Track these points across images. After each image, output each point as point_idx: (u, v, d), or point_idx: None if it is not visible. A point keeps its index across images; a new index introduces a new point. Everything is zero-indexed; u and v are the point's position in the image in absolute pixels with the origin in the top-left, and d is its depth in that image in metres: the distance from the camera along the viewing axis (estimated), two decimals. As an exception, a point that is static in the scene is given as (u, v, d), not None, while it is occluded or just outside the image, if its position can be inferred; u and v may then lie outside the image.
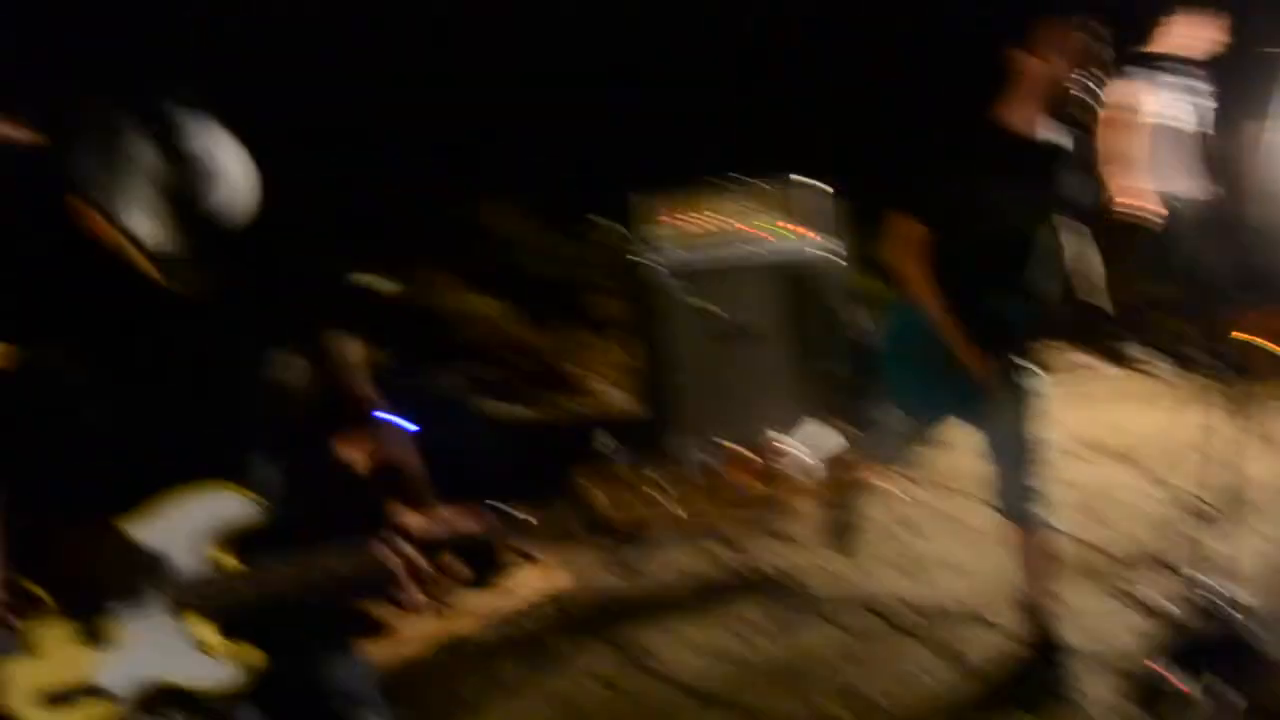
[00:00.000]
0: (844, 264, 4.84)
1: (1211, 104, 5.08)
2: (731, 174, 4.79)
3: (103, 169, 1.63)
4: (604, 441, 4.40)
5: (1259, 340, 5.71)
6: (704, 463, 5.13)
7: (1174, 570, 3.71)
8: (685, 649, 3.57)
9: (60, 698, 1.79)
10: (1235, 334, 6.04)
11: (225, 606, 1.76)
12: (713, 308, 4.44)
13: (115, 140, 1.61)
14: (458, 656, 3.57)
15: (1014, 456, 3.16)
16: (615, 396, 6.21)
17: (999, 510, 3.26)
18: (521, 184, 7.44)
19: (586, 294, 7.01)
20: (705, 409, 4.70)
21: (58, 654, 1.78)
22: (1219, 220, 5.36)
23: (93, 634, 1.78)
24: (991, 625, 3.53)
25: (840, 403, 4.88)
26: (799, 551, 4.18)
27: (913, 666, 3.36)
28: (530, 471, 4.51)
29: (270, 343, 1.89)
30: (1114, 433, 5.22)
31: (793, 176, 4.80)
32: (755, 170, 4.84)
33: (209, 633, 1.77)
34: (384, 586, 1.72)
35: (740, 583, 3.99)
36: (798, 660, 3.47)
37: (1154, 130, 5.05)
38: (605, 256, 7.20)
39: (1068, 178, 3.07)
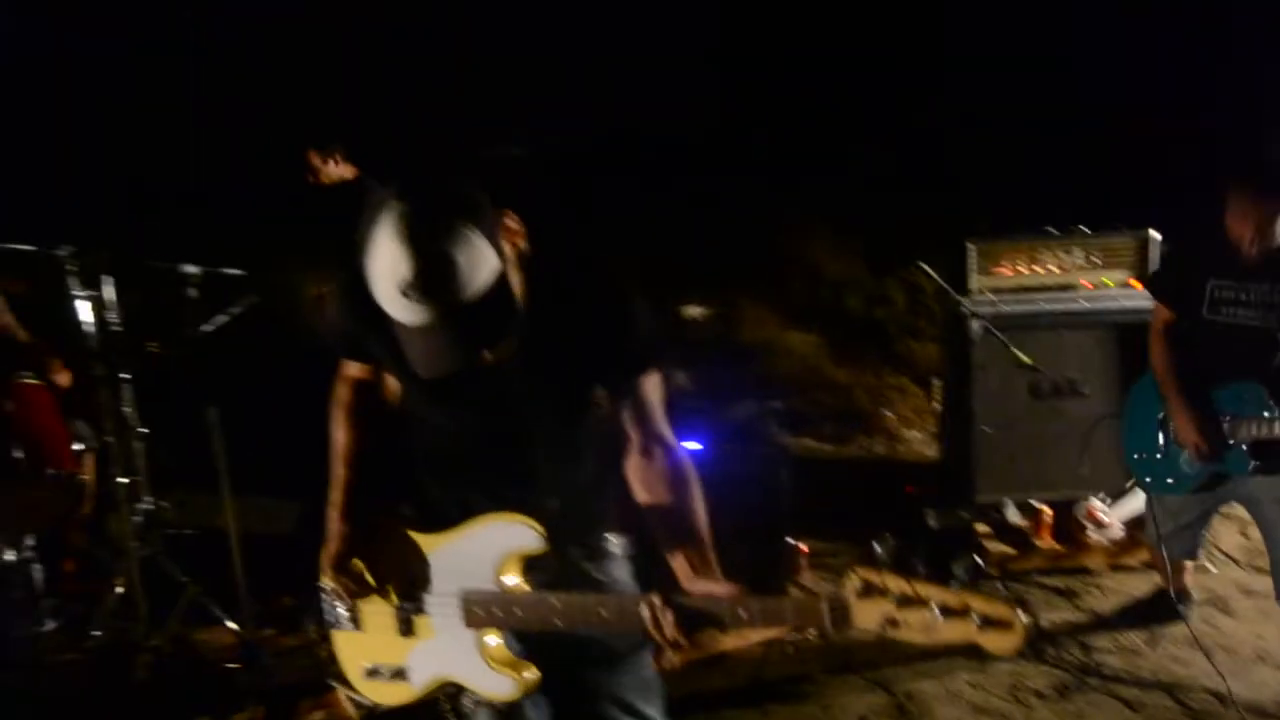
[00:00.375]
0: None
1: None
2: (1075, 225, 4.59)
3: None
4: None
5: None
6: (1012, 521, 4.94)
7: None
8: (954, 703, 3.46)
9: (375, 672, 2.09)
10: None
11: (508, 624, 1.94)
12: (1031, 361, 4.25)
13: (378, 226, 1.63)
14: (721, 673, 3.66)
15: None
16: (920, 443, 6.09)
17: None
18: (850, 222, 7.51)
19: (904, 338, 6.94)
20: (1016, 465, 4.53)
21: (379, 635, 2.08)
22: None
23: (406, 626, 2.05)
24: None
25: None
26: (1098, 621, 3.93)
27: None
28: (824, 507, 4.58)
29: (576, 386, 1.99)
30: None
31: (1141, 230, 4.53)
32: (1102, 222, 4.61)
33: (495, 645, 1.98)
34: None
35: (1028, 646, 3.79)
36: (1074, 733, 3.27)
37: None
38: (931, 302, 7.11)
39: None
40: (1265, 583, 4.11)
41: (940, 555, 4.41)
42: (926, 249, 4.79)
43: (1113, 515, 4.38)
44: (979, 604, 1.54)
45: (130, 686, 3.51)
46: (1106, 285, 4.47)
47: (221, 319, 3.86)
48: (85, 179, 6.51)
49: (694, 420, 4.34)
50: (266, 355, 4.27)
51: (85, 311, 3.58)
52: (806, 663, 3.74)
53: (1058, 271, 4.51)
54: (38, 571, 3.76)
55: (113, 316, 3.65)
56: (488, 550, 1.94)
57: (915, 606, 1.56)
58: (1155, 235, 4.43)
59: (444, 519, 2.01)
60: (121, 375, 3.71)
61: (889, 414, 6.25)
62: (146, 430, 3.82)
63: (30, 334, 4.09)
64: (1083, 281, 4.49)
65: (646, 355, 1.98)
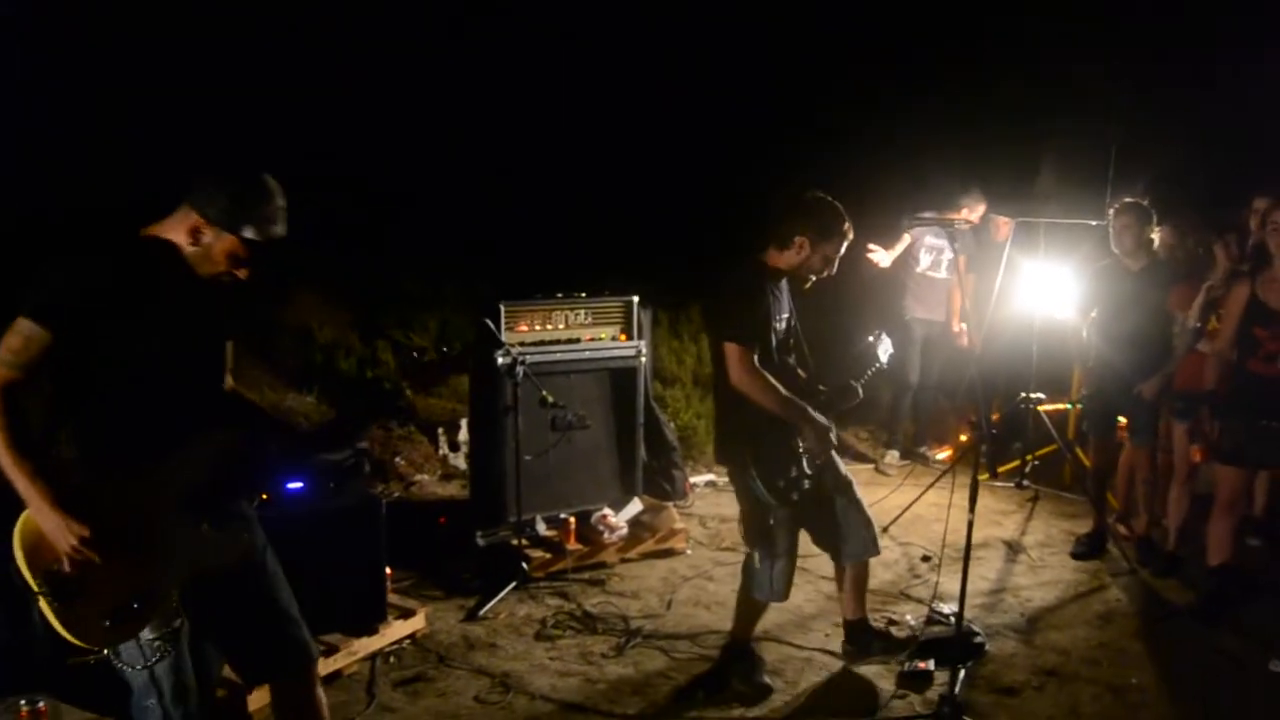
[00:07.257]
0: (645, 364, 5.85)
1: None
2: (577, 291, 5.68)
3: None
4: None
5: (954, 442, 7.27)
6: (543, 533, 6.00)
7: (916, 600, 4.92)
8: (543, 673, 4.29)
9: None
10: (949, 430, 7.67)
11: None
12: (554, 400, 5.20)
13: None
14: (345, 687, 4.12)
15: None
16: (431, 484, 6.83)
17: None
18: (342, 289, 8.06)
19: (402, 393, 7.64)
20: (545, 486, 5.56)
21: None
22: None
23: None
24: (784, 644, 4.53)
25: (646, 479, 5.92)
26: (627, 597, 5.04)
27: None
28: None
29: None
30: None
31: (628, 296, 5.78)
32: (596, 288, 5.77)
33: None
34: None
35: (582, 624, 4.76)
36: (638, 675, 4.28)
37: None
38: (425, 359, 7.94)
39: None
40: (731, 557, 5.55)
41: (490, 567, 5.24)
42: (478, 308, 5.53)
43: (618, 519, 5.55)
44: None
45: None
46: (601, 339, 5.67)
47: None
48: None
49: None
50: None
51: None
52: (411, 667, 4.31)
53: (565, 328, 5.61)
54: None
55: None
56: None
57: None
58: (634, 299, 5.73)
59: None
60: None
61: (401, 460, 6.92)
62: None
63: None
64: (585, 336, 5.64)
65: None
